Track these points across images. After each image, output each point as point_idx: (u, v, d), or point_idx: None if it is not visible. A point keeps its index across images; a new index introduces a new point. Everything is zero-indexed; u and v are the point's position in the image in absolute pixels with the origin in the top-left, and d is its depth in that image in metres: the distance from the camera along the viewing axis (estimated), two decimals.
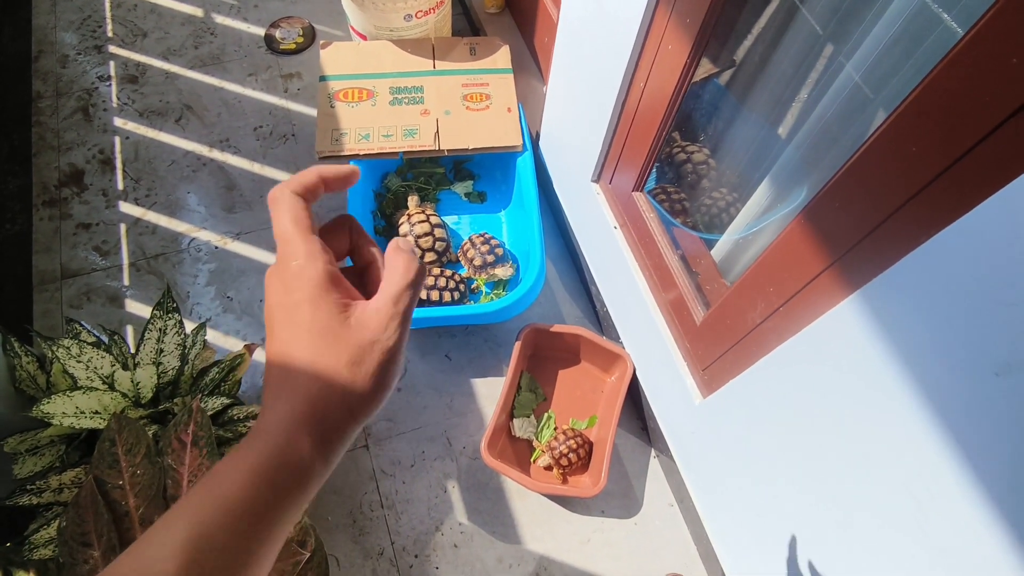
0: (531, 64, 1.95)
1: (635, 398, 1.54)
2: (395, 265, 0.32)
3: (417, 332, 1.62)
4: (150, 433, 0.98)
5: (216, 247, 1.70)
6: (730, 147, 1.32)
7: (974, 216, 0.52)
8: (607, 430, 1.42)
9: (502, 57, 1.77)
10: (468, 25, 2.17)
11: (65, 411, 0.99)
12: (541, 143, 1.73)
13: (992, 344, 0.53)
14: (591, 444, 1.47)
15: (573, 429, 1.48)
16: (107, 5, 2.10)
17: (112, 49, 2.01)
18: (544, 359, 1.59)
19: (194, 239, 1.71)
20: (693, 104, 1.40)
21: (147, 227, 1.72)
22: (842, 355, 0.74)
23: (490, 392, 1.56)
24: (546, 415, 1.52)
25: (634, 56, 1.05)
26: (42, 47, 2.01)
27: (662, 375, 1.30)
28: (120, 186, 1.78)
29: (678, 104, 1.01)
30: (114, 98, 1.92)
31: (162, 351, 1.13)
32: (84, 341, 1.07)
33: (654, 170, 1.50)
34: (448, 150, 1.61)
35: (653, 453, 1.52)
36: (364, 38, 1.81)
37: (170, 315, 1.14)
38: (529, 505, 1.43)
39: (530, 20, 1.89)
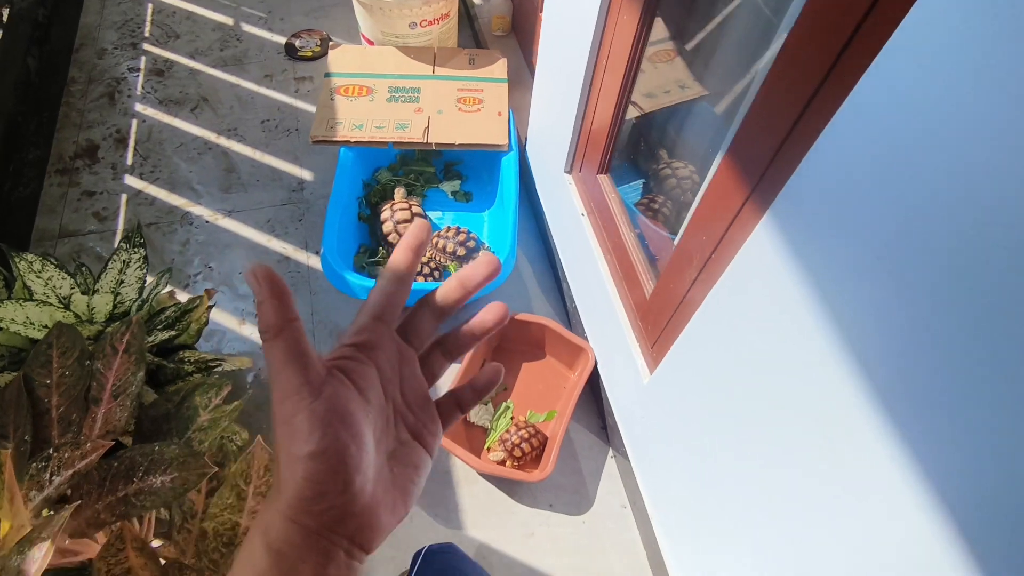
0: (530, 82, 2.05)
1: (597, 396, 1.51)
2: None
3: None
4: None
5: (207, 221, 1.77)
6: (700, 153, 1.36)
7: (853, 101, 0.53)
8: (562, 422, 1.39)
9: (499, 68, 1.87)
10: (475, 45, 2.30)
11: (15, 318, 1.02)
12: (528, 147, 1.80)
13: (877, 237, 0.53)
14: (545, 437, 1.43)
15: (527, 422, 1.45)
16: (149, 10, 2.30)
17: (146, 47, 2.19)
18: (510, 352, 1.58)
19: (188, 213, 1.78)
20: (674, 125, 1.48)
21: (146, 199, 1.80)
22: (757, 289, 0.74)
23: (453, 377, 1.55)
24: (504, 404, 1.50)
25: (597, 33, 1.11)
26: (84, 41, 2.20)
27: (617, 358, 1.28)
28: (129, 161, 1.88)
29: (634, 73, 1.06)
30: (139, 87, 2.07)
31: (122, 282, 1.16)
32: (50, 262, 1.12)
33: (641, 185, 1.55)
34: (436, 144, 1.68)
35: (611, 453, 1.47)
36: (372, 44, 1.94)
37: (135, 250, 1.18)
38: (476, 492, 1.39)
39: (530, 41, 2.00)
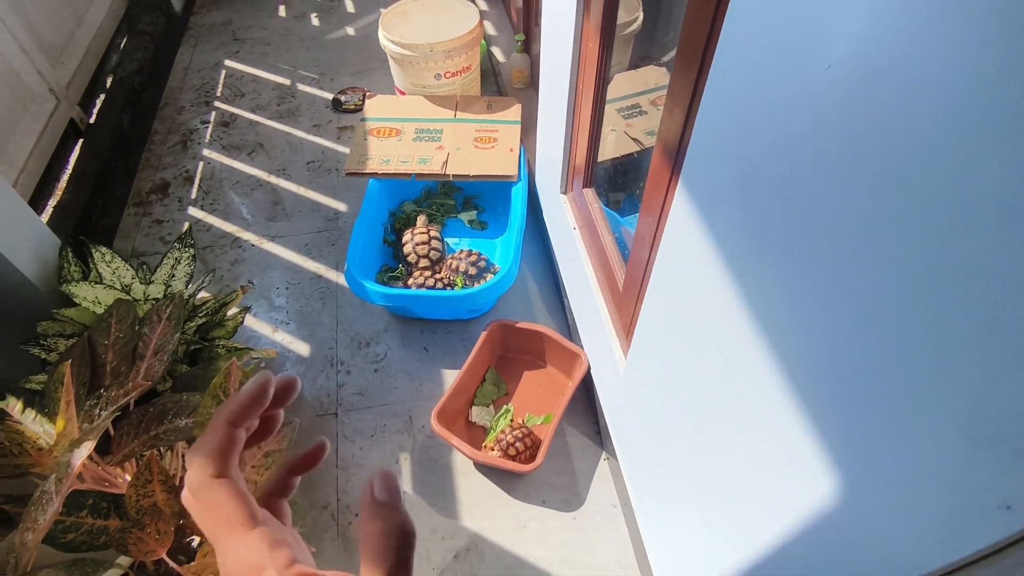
0: None
1: (591, 401, 1.59)
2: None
3: (401, 323, 1.80)
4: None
5: (253, 245, 2.01)
6: None
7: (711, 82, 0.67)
8: (555, 420, 1.48)
9: (514, 112, 2.10)
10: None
11: (86, 296, 1.23)
12: (536, 179, 1.98)
13: (732, 179, 0.65)
14: (539, 439, 1.52)
15: (523, 424, 1.54)
16: (222, 75, 2.70)
17: (216, 104, 2.55)
18: (513, 360, 1.70)
19: (238, 238, 2.03)
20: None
21: (204, 226, 2.08)
22: (681, 248, 0.85)
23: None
24: (505, 408, 1.60)
25: (574, 63, 1.30)
26: (168, 101, 2.59)
27: (602, 353, 1.38)
28: (193, 196, 2.18)
29: (603, 90, 1.23)
30: (208, 136, 2.41)
31: (173, 276, 1.37)
32: (119, 256, 1.34)
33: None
34: (453, 175, 1.89)
35: (604, 456, 1.53)
36: (403, 94, 2.21)
37: (186, 249, 1.40)
38: (473, 485, 1.47)
39: None
